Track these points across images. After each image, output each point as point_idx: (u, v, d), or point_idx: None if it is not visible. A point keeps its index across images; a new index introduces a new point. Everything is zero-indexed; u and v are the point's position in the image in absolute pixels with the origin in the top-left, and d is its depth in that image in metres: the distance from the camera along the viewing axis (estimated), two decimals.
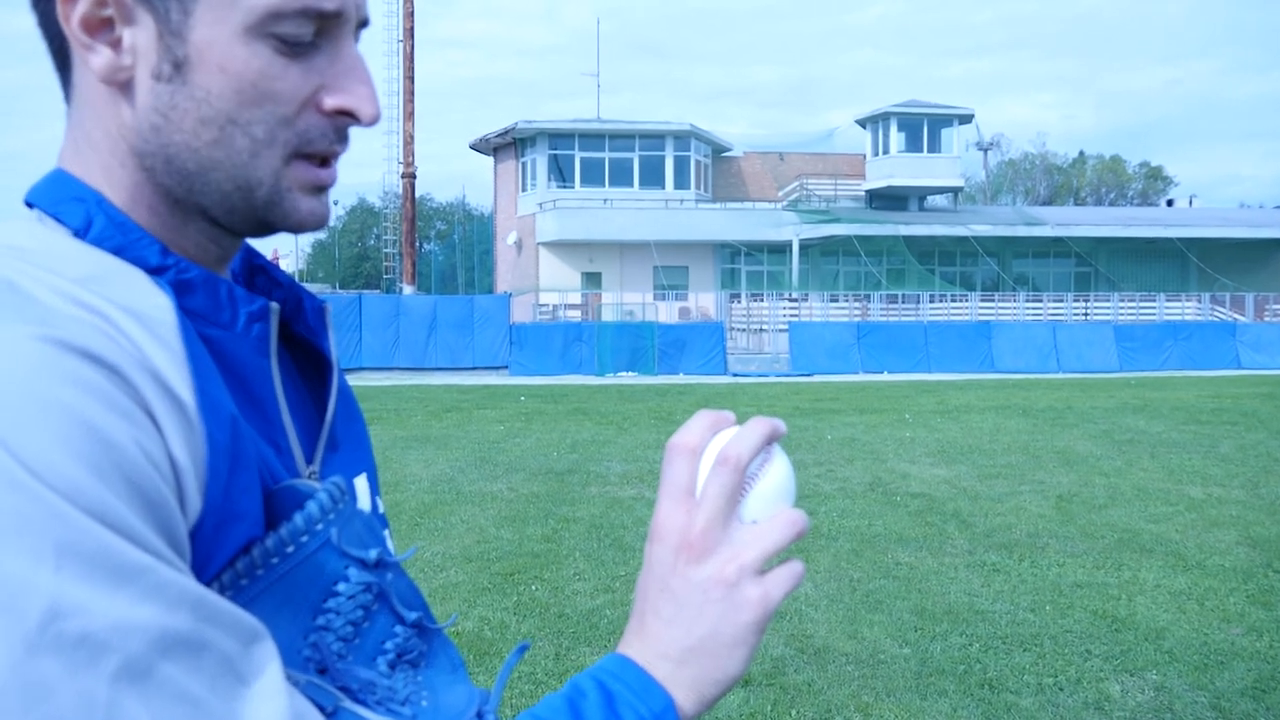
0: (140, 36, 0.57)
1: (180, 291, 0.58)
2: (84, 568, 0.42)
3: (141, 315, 0.52)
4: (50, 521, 0.42)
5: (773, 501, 0.62)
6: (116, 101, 0.59)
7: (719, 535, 0.61)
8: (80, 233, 0.58)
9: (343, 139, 0.62)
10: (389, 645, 0.62)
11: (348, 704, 0.57)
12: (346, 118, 0.61)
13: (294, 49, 0.58)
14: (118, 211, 0.59)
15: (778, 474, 0.63)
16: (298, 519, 0.56)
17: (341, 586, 0.58)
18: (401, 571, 0.64)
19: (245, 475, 0.54)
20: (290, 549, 0.56)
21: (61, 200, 0.59)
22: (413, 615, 0.63)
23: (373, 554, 0.60)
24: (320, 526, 0.57)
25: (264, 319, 0.63)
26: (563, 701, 0.60)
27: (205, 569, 0.52)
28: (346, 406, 0.72)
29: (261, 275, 0.71)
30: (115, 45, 0.57)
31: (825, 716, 3.85)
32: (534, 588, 5.52)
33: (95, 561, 0.42)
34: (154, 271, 0.58)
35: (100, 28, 0.57)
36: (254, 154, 0.59)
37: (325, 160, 0.62)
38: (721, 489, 0.61)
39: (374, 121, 0.61)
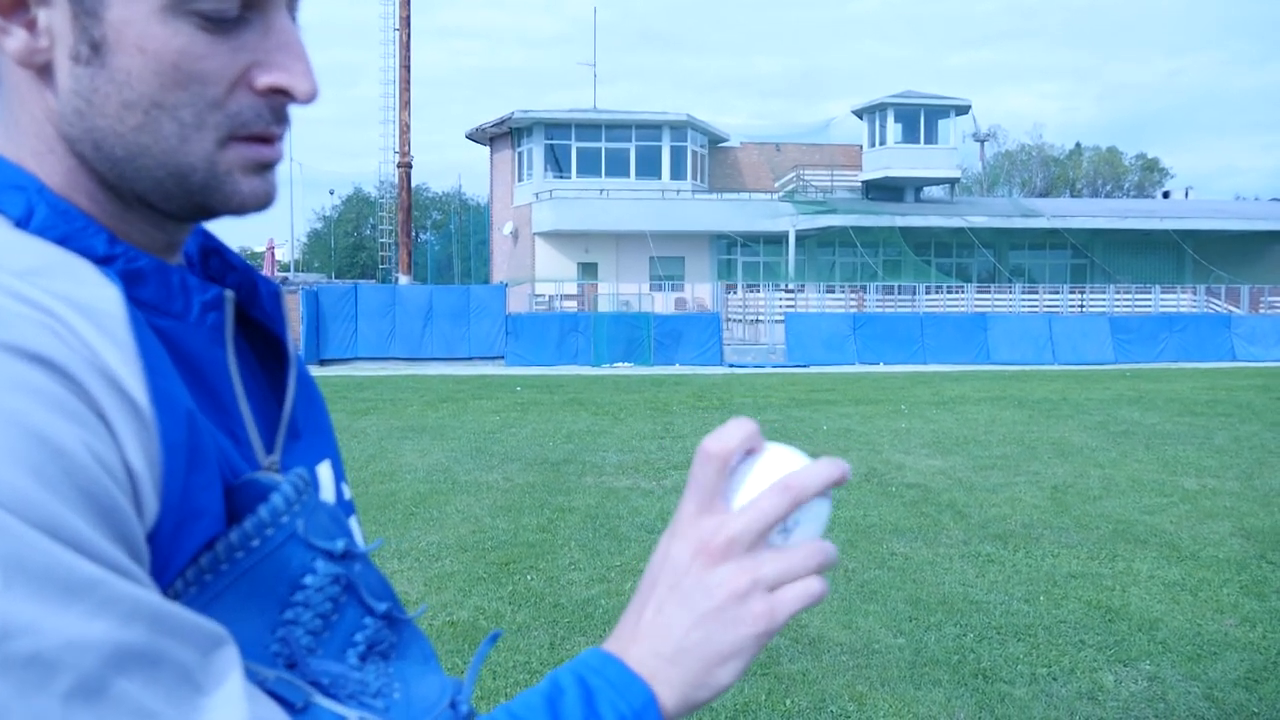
0: (55, 17, 0.54)
1: (130, 282, 0.56)
2: (32, 585, 0.40)
3: (89, 310, 0.49)
4: None
5: (805, 529, 0.62)
6: (40, 86, 0.56)
7: (743, 549, 0.60)
8: (22, 222, 0.55)
9: (280, 119, 0.59)
10: (359, 638, 0.60)
11: (319, 699, 0.56)
12: (282, 96, 0.58)
13: (219, 25, 0.55)
14: (60, 199, 0.56)
15: (819, 509, 0.62)
16: (262, 512, 0.55)
17: (309, 579, 0.57)
18: (369, 562, 0.63)
19: (204, 472, 0.52)
20: (255, 543, 0.54)
21: (0, 188, 0.56)
22: (382, 606, 0.62)
23: (339, 545, 0.59)
24: (285, 519, 0.56)
25: (218, 307, 0.61)
26: (541, 699, 0.59)
27: (166, 570, 0.50)
28: (306, 392, 0.70)
29: (215, 258, 0.69)
30: (30, 26, 0.54)
31: (820, 706, 3.85)
32: (529, 577, 5.52)
33: (44, 577, 0.41)
34: (101, 261, 0.55)
35: (13, 8, 0.54)
36: (183, 139, 0.55)
37: (267, 139, 0.59)
38: (772, 510, 0.59)
39: (311, 99, 0.58)
